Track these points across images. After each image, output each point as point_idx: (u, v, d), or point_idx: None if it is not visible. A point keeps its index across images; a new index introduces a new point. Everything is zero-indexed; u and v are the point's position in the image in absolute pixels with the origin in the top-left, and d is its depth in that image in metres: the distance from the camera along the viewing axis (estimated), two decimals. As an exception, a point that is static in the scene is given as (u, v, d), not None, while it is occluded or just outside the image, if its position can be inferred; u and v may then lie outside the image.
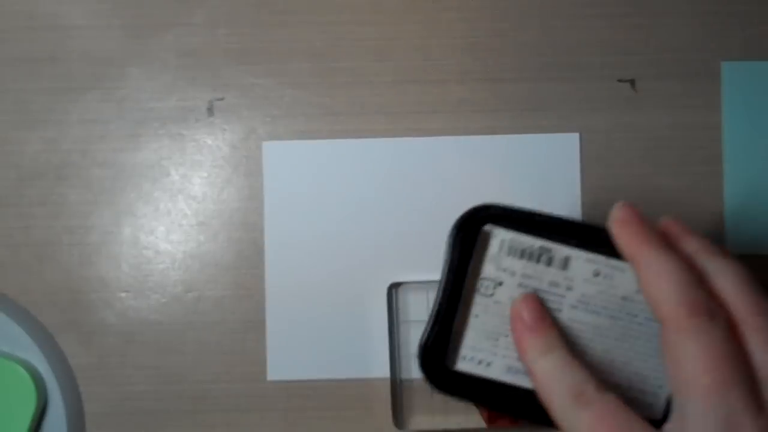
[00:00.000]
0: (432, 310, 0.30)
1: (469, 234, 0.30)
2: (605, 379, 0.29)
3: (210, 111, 0.40)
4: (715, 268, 0.27)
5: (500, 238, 0.30)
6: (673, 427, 0.25)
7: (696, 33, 0.40)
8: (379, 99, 0.39)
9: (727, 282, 0.26)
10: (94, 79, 0.40)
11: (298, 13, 0.40)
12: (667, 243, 0.27)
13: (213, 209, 0.39)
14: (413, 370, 0.39)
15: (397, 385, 0.38)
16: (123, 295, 0.39)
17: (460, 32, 0.40)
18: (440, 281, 0.30)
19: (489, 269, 0.30)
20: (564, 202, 0.39)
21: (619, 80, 0.40)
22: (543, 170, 0.39)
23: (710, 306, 0.25)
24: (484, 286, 0.30)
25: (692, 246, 0.28)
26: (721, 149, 0.39)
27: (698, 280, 0.26)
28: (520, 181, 0.39)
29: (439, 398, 0.38)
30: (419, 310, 0.39)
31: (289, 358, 0.39)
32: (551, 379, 0.27)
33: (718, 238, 0.39)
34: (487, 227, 0.31)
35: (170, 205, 0.39)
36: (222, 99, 0.40)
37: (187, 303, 0.39)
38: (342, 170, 0.39)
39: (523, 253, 0.30)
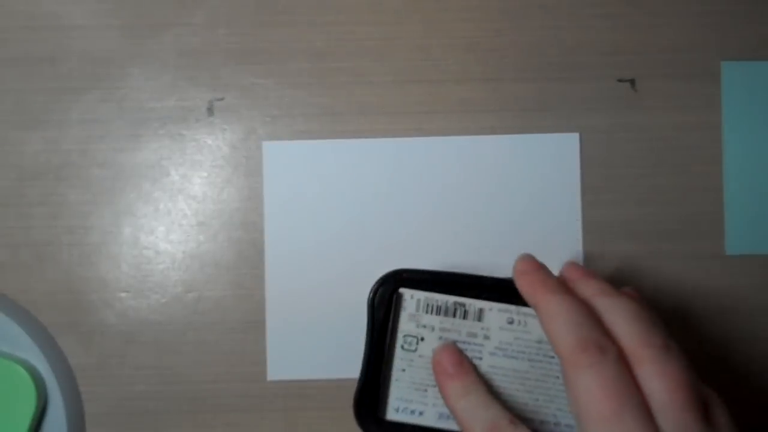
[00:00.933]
0: (361, 367, 0.34)
1: (385, 298, 0.33)
2: (531, 418, 0.32)
3: (210, 111, 0.40)
4: (607, 306, 0.29)
5: (416, 298, 0.34)
6: None
7: (696, 33, 0.40)
8: (379, 99, 0.39)
9: (618, 318, 0.28)
10: (94, 79, 0.40)
11: (298, 13, 0.40)
12: (563, 287, 0.30)
13: (213, 209, 0.39)
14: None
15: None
16: (123, 295, 0.39)
17: (460, 32, 0.40)
18: (366, 341, 0.34)
19: (409, 327, 0.34)
20: (564, 202, 0.39)
21: (619, 80, 0.40)
22: (543, 170, 0.39)
23: (601, 342, 0.28)
24: (407, 342, 0.34)
25: (588, 288, 0.30)
26: (721, 149, 0.39)
27: (591, 319, 0.28)
28: (520, 181, 0.39)
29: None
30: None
31: (289, 358, 0.39)
32: (470, 418, 0.30)
33: (718, 238, 0.39)
34: (402, 290, 0.34)
35: (170, 205, 0.39)
36: (222, 99, 0.40)
37: (187, 303, 0.39)
38: (342, 170, 0.39)
39: (439, 310, 0.33)
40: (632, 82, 0.39)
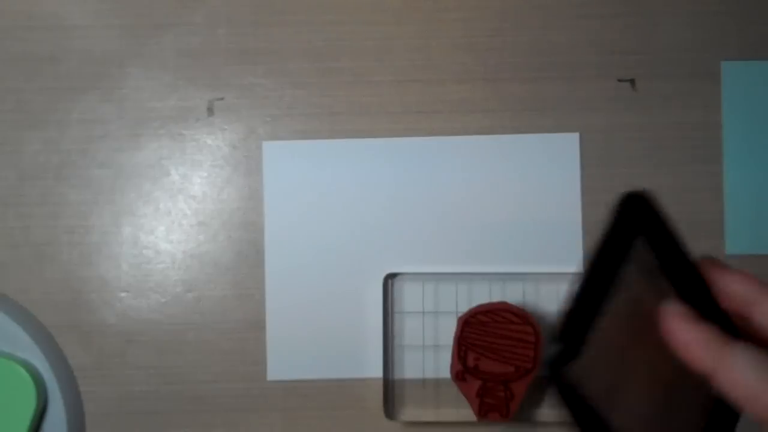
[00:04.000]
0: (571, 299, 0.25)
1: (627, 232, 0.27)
2: None
3: (210, 111, 0.40)
4: None
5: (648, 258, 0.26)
6: None
7: (696, 33, 0.40)
8: (379, 99, 0.39)
9: None
10: (94, 79, 0.40)
11: (298, 13, 0.40)
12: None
13: (213, 209, 0.39)
14: (406, 364, 0.39)
15: (389, 376, 0.38)
16: (123, 295, 0.39)
17: (460, 32, 0.40)
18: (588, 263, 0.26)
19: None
20: (564, 202, 0.39)
21: (619, 80, 0.40)
22: (543, 170, 0.39)
23: None
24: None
25: None
26: (721, 149, 0.39)
27: None
28: (520, 181, 0.39)
29: (431, 391, 0.38)
30: (414, 302, 0.39)
31: (288, 358, 0.39)
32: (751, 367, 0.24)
33: (718, 238, 0.39)
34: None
35: (170, 205, 0.39)
36: (222, 99, 0.40)
37: (187, 303, 0.39)
38: (341, 170, 0.39)
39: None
40: (632, 82, 0.39)
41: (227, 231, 0.39)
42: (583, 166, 0.39)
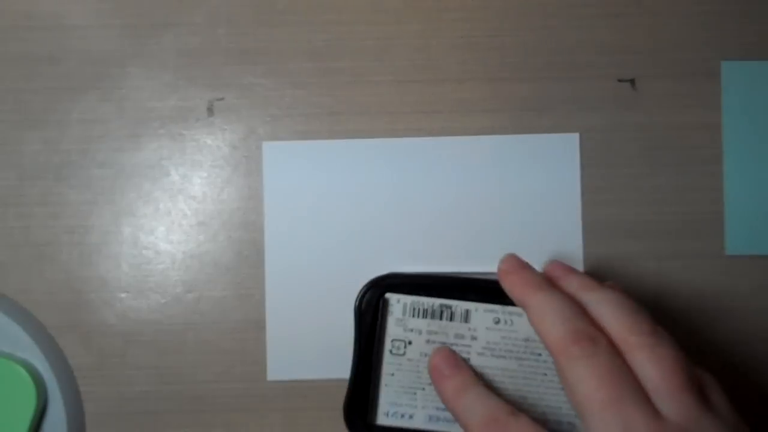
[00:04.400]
0: (350, 374, 0.34)
1: (372, 304, 0.34)
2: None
3: (210, 111, 0.40)
4: (593, 299, 0.30)
5: (402, 302, 0.34)
6: None
7: (696, 33, 0.40)
8: (379, 99, 0.39)
9: (605, 309, 0.29)
10: (94, 79, 0.40)
11: (298, 13, 0.40)
12: (548, 284, 0.31)
13: (213, 209, 0.39)
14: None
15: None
16: (123, 295, 0.39)
17: (460, 32, 0.40)
18: (354, 347, 0.34)
19: (397, 331, 0.34)
20: (564, 202, 0.39)
21: (619, 80, 0.40)
22: (543, 170, 0.39)
23: (591, 332, 0.28)
24: (395, 346, 0.34)
25: (573, 284, 0.31)
26: (721, 149, 0.39)
27: (579, 312, 0.29)
28: (520, 181, 0.39)
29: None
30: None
31: (288, 358, 0.39)
32: (469, 413, 0.30)
33: (718, 238, 0.39)
34: (388, 295, 0.34)
35: (170, 205, 0.39)
36: (222, 99, 0.40)
37: (187, 303, 0.39)
38: (342, 170, 0.39)
39: (426, 313, 0.34)
40: (632, 82, 0.39)
41: (227, 231, 0.39)
42: (583, 166, 0.39)
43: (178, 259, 0.39)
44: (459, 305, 0.34)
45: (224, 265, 0.39)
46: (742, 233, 0.39)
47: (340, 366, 0.38)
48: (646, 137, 0.39)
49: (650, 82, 0.39)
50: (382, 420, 0.34)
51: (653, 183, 0.39)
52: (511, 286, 0.32)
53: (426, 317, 0.34)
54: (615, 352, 0.28)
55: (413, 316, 0.34)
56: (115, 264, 0.39)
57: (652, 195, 0.39)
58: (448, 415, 0.33)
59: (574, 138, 0.39)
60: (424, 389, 0.34)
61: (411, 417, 0.34)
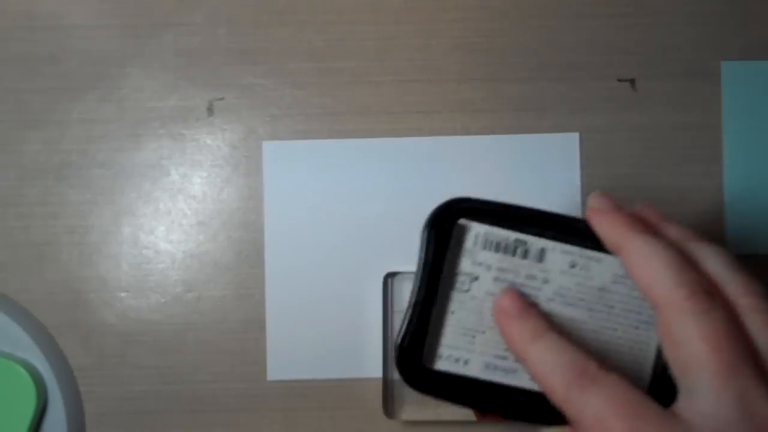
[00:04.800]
0: (407, 308, 0.29)
1: (443, 229, 0.29)
2: None
3: (210, 111, 0.40)
4: (701, 252, 0.26)
5: (475, 231, 0.29)
6: (685, 407, 0.24)
7: (696, 33, 0.40)
8: (379, 99, 0.39)
9: (717, 265, 0.26)
10: (94, 79, 0.40)
11: (298, 13, 0.40)
12: (650, 228, 0.27)
13: (213, 209, 0.39)
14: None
15: (389, 375, 0.38)
16: (123, 295, 0.39)
17: (460, 32, 0.40)
18: (415, 278, 0.29)
19: (465, 264, 0.29)
20: (564, 202, 0.39)
21: (619, 80, 0.40)
22: (543, 170, 0.39)
23: (706, 286, 0.25)
24: (459, 281, 0.29)
25: (673, 232, 0.27)
26: (721, 149, 0.39)
27: (688, 262, 0.26)
28: (520, 181, 0.39)
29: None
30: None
31: (288, 358, 0.39)
32: (548, 362, 0.26)
33: (718, 238, 0.39)
34: (462, 221, 0.30)
35: (170, 205, 0.39)
36: (222, 99, 0.40)
37: (187, 303, 0.39)
38: (342, 170, 0.39)
39: (498, 246, 0.29)
40: (632, 82, 0.39)
41: (227, 231, 0.39)
42: (583, 166, 0.39)
43: (178, 259, 0.39)
44: (535, 242, 0.29)
45: (224, 264, 0.39)
46: (742, 233, 0.39)
47: (340, 366, 0.38)
48: (646, 137, 0.39)
49: (650, 82, 0.39)
50: (438, 363, 0.29)
51: (653, 183, 0.39)
52: (606, 226, 0.27)
53: (498, 251, 0.29)
54: (731, 311, 0.25)
55: (484, 248, 0.29)
56: (115, 264, 0.39)
57: (652, 195, 0.39)
58: (506, 364, 0.29)
59: (574, 138, 0.39)
60: (484, 332, 0.29)
61: (466, 363, 0.29)
